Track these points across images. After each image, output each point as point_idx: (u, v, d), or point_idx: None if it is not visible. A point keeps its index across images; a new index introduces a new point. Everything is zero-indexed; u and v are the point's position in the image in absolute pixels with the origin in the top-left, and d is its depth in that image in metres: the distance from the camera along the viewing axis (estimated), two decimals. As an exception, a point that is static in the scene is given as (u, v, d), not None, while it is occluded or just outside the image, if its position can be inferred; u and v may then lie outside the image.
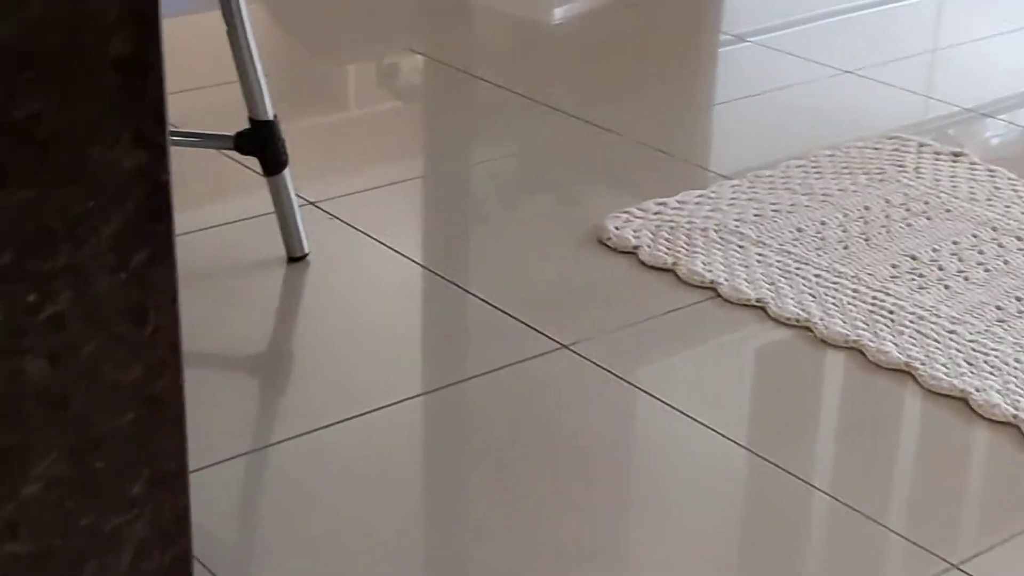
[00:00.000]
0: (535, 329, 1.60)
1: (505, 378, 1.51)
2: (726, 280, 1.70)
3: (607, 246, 1.79)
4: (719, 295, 1.68)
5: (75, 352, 0.77)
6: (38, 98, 0.73)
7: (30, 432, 0.76)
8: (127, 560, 0.81)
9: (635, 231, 1.81)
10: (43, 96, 0.73)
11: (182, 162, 1.93)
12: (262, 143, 1.67)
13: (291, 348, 1.58)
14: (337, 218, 1.84)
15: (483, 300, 1.65)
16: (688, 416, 1.45)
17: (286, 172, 1.69)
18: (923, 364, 1.53)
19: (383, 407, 1.45)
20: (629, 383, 1.50)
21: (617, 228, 1.81)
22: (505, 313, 1.63)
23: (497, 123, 2.18)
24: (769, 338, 1.60)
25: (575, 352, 1.56)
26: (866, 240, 1.80)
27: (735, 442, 1.41)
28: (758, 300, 1.66)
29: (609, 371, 1.52)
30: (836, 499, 1.33)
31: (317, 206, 1.86)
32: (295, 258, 1.72)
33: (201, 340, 1.57)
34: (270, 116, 1.67)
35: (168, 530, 0.82)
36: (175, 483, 0.82)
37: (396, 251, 1.76)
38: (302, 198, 1.85)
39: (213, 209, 1.85)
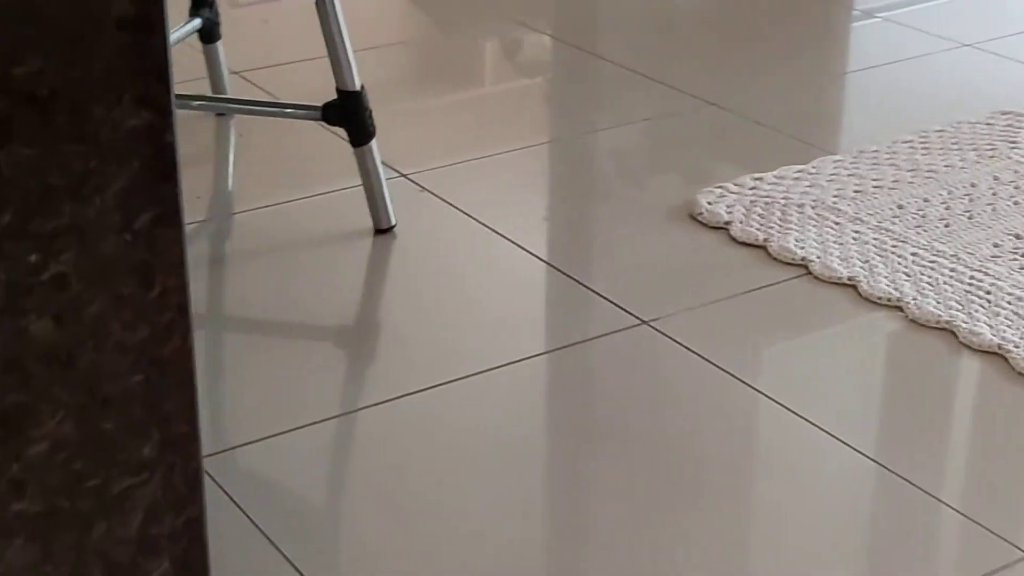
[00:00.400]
0: (616, 304, 1.57)
1: (583, 353, 1.49)
2: (818, 257, 1.65)
3: (699, 221, 1.75)
4: (810, 272, 1.63)
5: (80, 312, 0.77)
6: (40, 55, 0.73)
7: (35, 392, 0.77)
8: (136, 523, 0.81)
9: (728, 206, 1.76)
10: (45, 54, 0.73)
11: (282, 133, 1.94)
12: (349, 114, 1.67)
13: (376, 319, 1.58)
14: (429, 191, 1.83)
15: (568, 275, 1.63)
16: (770, 398, 1.41)
17: (373, 143, 1.69)
18: (1017, 347, 1.47)
19: (464, 377, 1.44)
20: (708, 361, 1.47)
21: (710, 203, 1.77)
22: (588, 288, 1.60)
23: (612, 101, 2.15)
24: (858, 317, 1.55)
25: (655, 328, 1.53)
26: (969, 218, 1.74)
27: (818, 427, 1.37)
28: (850, 278, 1.61)
29: (688, 347, 1.49)
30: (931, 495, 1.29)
31: (410, 179, 1.86)
32: (382, 230, 1.72)
33: (288, 310, 1.58)
34: (357, 87, 1.66)
35: (179, 494, 0.82)
36: (186, 446, 0.82)
37: (485, 225, 1.74)
38: (395, 170, 1.85)
39: (310, 180, 1.86)
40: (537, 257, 1.67)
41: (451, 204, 1.80)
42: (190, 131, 1.98)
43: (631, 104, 2.12)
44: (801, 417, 1.38)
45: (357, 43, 1.71)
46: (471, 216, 1.76)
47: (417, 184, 1.85)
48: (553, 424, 1.38)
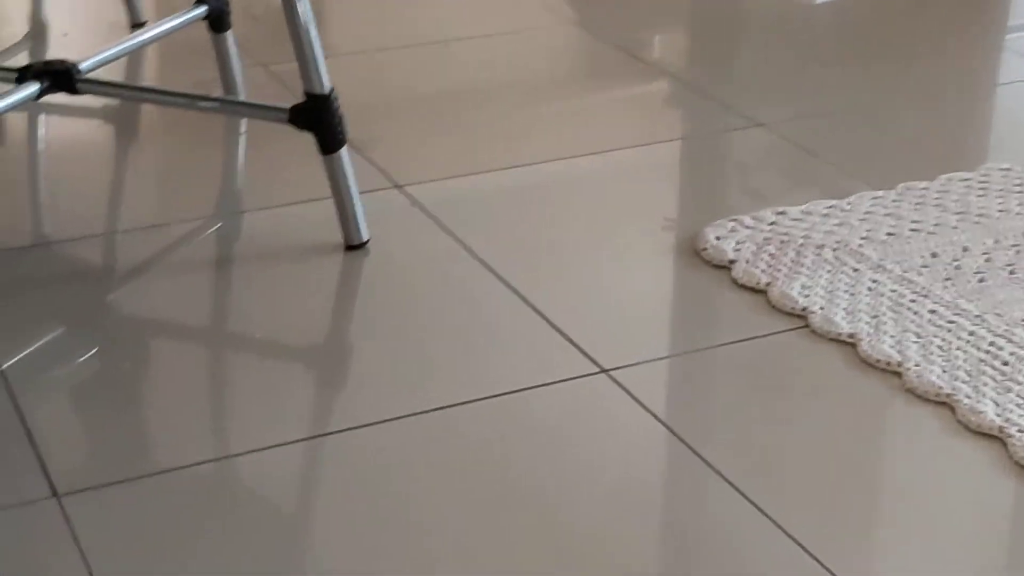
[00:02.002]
0: (579, 348, 1.41)
1: (530, 399, 1.34)
2: (821, 309, 1.46)
3: (702, 258, 1.58)
4: (808, 326, 1.45)
5: None
6: None
7: None
8: None
9: (738, 243, 1.58)
10: None
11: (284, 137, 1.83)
12: (317, 119, 1.54)
13: (343, 338, 1.45)
14: (421, 207, 1.69)
15: (537, 312, 1.47)
16: (718, 472, 1.24)
17: (343, 152, 1.56)
18: (1021, 431, 1.27)
19: (427, 411, 1.30)
20: (658, 420, 1.30)
21: (718, 238, 1.59)
22: (554, 327, 1.45)
23: (675, 111, 1.99)
24: (846, 382, 1.36)
25: (612, 378, 1.36)
26: (1011, 273, 1.53)
27: (768, 516, 1.19)
28: (851, 335, 1.42)
29: (641, 403, 1.32)
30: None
31: (404, 191, 1.72)
32: (353, 246, 1.59)
33: (250, 322, 1.46)
34: (326, 90, 1.53)
35: None
36: None
37: (460, 241, 1.60)
38: (391, 179, 1.72)
39: (279, 187, 1.74)
40: (508, 286, 1.52)
41: (436, 220, 1.65)
42: (193, 126, 1.87)
43: (693, 117, 1.95)
44: (751, 502, 1.20)
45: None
46: (453, 235, 1.62)
47: (409, 197, 1.72)
48: (479, 475, 1.23)
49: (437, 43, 2.23)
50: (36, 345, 1.41)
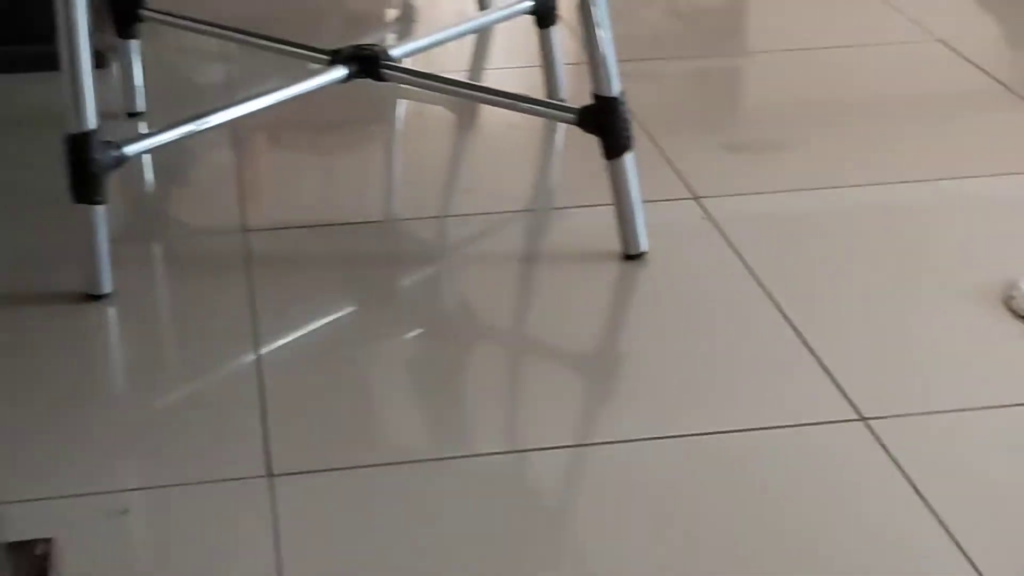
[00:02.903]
0: (842, 391, 1.30)
1: (780, 437, 1.25)
2: None
3: (1009, 308, 1.43)
4: (1111, 397, 1.29)
5: None
6: None
7: None
8: None
9: (1054, 295, 1.43)
10: None
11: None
12: (604, 121, 1.49)
13: (612, 349, 1.41)
14: (712, 220, 1.61)
15: (807, 346, 1.37)
16: (965, 556, 1.11)
17: (627, 158, 1.50)
18: None
19: (686, 435, 1.24)
20: (909, 480, 1.18)
21: (1031, 288, 1.44)
22: (821, 365, 1.34)
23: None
24: None
25: (869, 428, 1.25)
26: None
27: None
28: None
29: (892, 457, 1.21)
30: None
31: (700, 202, 1.64)
32: (630, 256, 1.53)
33: (523, 322, 1.44)
34: (615, 92, 1.48)
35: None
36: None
37: (745, 262, 1.51)
38: (691, 192, 1.65)
39: (572, 188, 1.69)
40: (784, 315, 1.42)
41: (725, 237, 1.57)
42: (474, 119, 1.86)
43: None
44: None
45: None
46: (739, 255, 1.53)
47: (704, 209, 1.64)
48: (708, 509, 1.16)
49: (794, 51, 2.14)
50: (315, 323, 1.43)
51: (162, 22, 1.84)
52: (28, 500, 1.16)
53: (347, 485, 1.18)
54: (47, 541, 1.09)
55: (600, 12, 1.45)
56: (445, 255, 1.57)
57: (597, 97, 1.49)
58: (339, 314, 1.45)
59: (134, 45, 1.85)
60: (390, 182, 1.74)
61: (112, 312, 1.44)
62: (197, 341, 1.39)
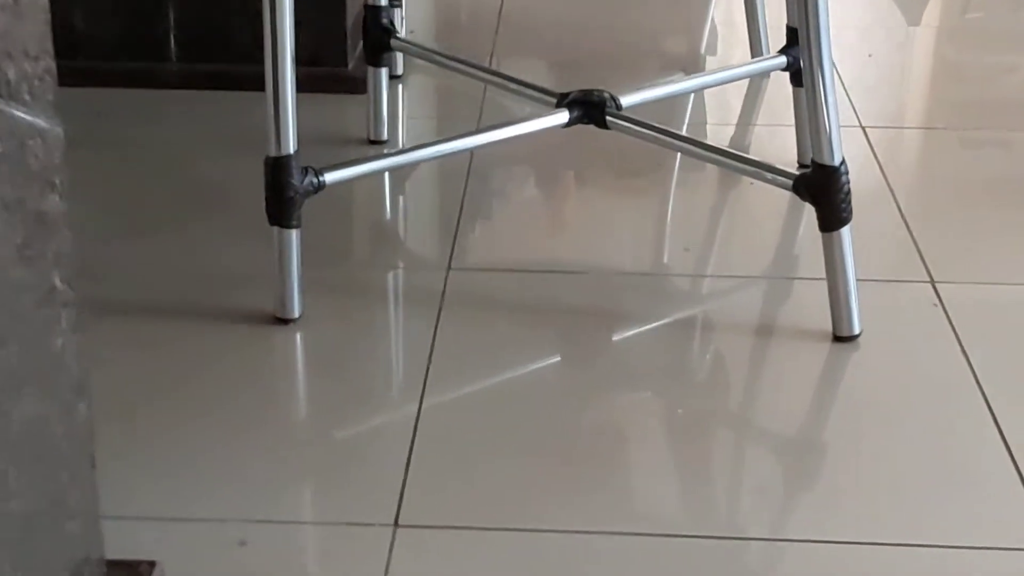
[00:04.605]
0: (1038, 513, 1.16)
1: (973, 559, 1.12)
2: None
3: None
4: None
5: None
6: None
7: None
8: None
9: None
10: None
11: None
12: (820, 191, 1.38)
13: (814, 438, 1.31)
14: (943, 307, 1.48)
15: (1015, 463, 1.23)
16: None
17: (844, 232, 1.39)
18: None
19: (883, 543, 1.14)
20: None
21: None
22: None
23: None
24: None
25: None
26: None
27: None
28: None
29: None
30: None
31: (936, 286, 1.51)
32: (842, 337, 1.42)
33: (721, 395, 1.36)
34: (836, 162, 1.37)
35: None
36: None
37: (968, 359, 1.37)
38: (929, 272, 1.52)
39: (804, 260, 1.59)
40: (997, 426, 1.29)
41: (954, 328, 1.44)
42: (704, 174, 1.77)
43: None
44: None
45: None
46: (964, 351, 1.40)
47: (937, 295, 1.51)
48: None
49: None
50: (493, 374, 1.39)
51: (408, 52, 1.84)
52: (151, 519, 1.15)
53: (473, 545, 1.13)
54: (152, 564, 1.08)
55: (825, 76, 1.35)
56: (650, 316, 1.50)
57: (815, 165, 1.39)
58: (519, 368, 1.39)
59: (383, 73, 1.86)
60: (607, 232, 1.68)
61: (296, 338, 1.44)
62: (368, 378, 1.37)
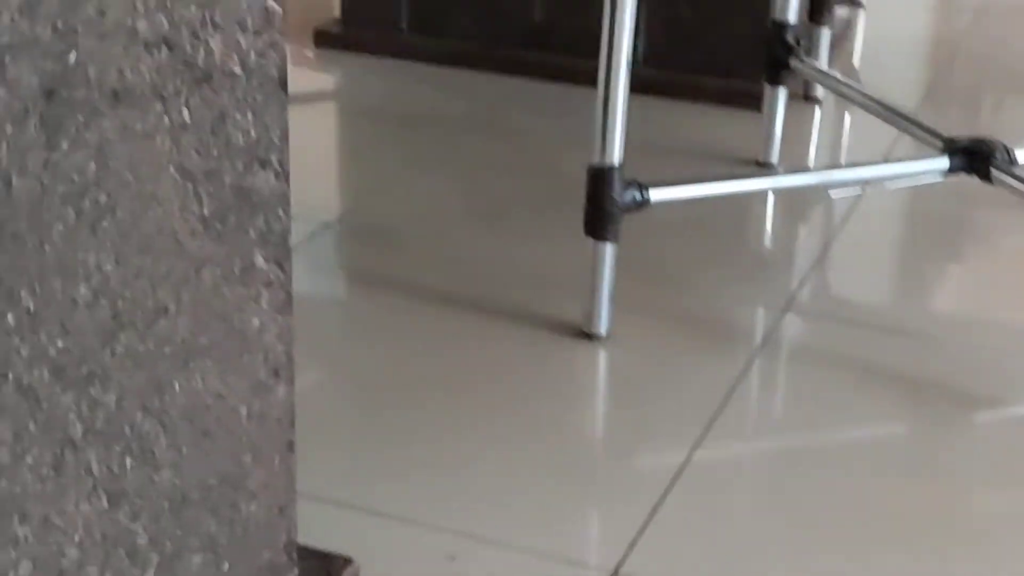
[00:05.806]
0: None
1: None
2: None
3: None
4: None
5: None
6: None
7: None
8: None
9: None
10: None
11: None
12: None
13: None
14: None
15: None
16: None
17: None
18: None
19: None
20: None
21: None
22: None
23: None
24: None
25: None
26: None
27: None
28: None
29: None
30: None
31: None
32: None
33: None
34: None
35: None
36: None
37: None
38: None
39: None
40: None
41: None
42: None
43: None
44: None
45: None
46: None
47: None
48: None
49: None
50: (786, 433, 1.28)
51: (806, 75, 1.73)
52: (360, 509, 1.12)
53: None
54: (347, 561, 1.05)
55: None
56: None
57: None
58: (825, 432, 1.27)
59: (781, 92, 1.76)
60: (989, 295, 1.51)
61: (600, 355, 1.37)
62: (655, 412, 1.28)
